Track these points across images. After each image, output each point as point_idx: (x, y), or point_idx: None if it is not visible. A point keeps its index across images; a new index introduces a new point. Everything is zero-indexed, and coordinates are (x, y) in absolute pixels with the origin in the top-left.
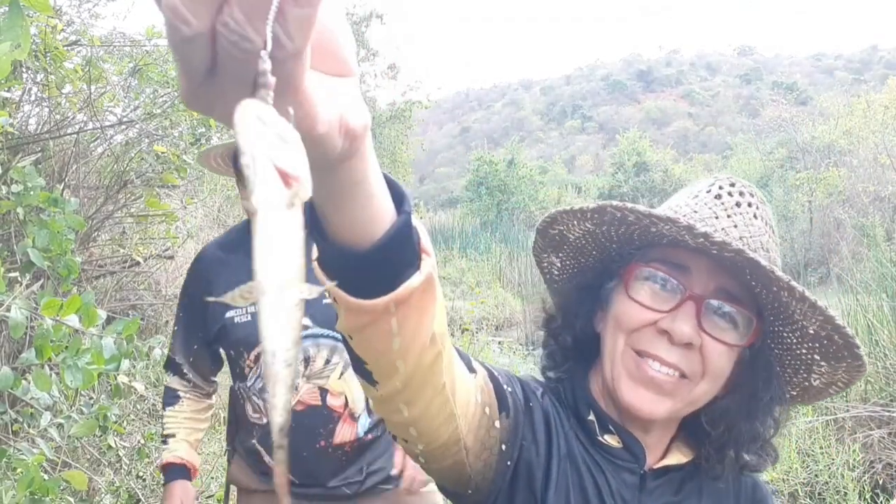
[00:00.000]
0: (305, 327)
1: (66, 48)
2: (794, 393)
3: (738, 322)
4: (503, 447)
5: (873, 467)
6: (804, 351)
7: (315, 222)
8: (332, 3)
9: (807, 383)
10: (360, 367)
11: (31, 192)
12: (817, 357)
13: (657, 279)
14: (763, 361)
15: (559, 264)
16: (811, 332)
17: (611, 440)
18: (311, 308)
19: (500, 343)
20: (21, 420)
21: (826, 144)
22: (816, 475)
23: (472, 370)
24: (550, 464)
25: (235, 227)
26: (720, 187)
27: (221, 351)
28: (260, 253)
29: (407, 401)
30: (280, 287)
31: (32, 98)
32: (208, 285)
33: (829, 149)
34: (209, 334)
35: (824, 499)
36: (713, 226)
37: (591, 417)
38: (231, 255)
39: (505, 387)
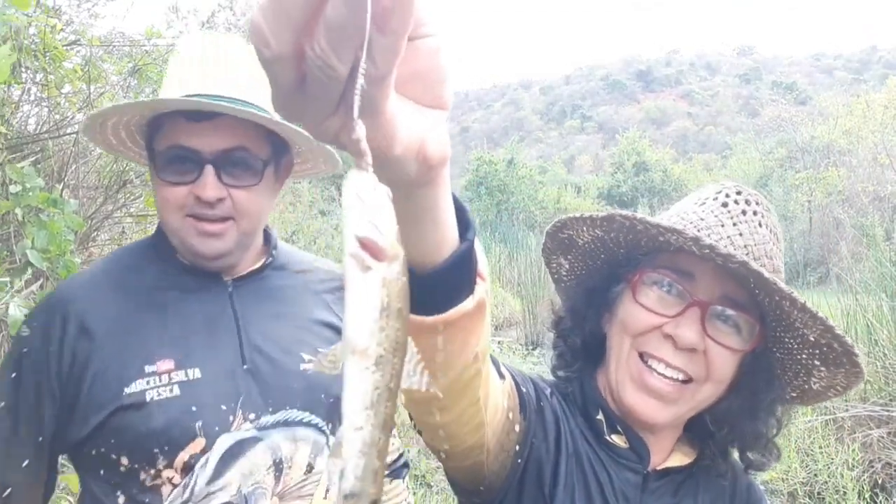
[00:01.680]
0: (270, 411)
1: (65, 48)
2: (794, 395)
3: (741, 327)
4: (517, 447)
5: (872, 466)
6: (804, 356)
7: None
8: (443, 45)
9: (806, 386)
10: None
11: (30, 193)
12: (817, 363)
13: (663, 284)
14: (765, 364)
15: (567, 266)
16: (811, 339)
17: (617, 440)
18: (285, 380)
19: (500, 343)
20: None
21: (825, 144)
22: (816, 475)
23: (501, 376)
24: (559, 461)
25: (115, 254)
26: (727, 195)
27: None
28: (345, 313)
29: (442, 407)
30: (353, 349)
31: (32, 98)
32: (86, 338)
33: (828, 149)
34: (72, 433)
35: (823, 498)
36: (719, 234)
37: (600, 417)
38: (116, 293)
39: (522, 388)
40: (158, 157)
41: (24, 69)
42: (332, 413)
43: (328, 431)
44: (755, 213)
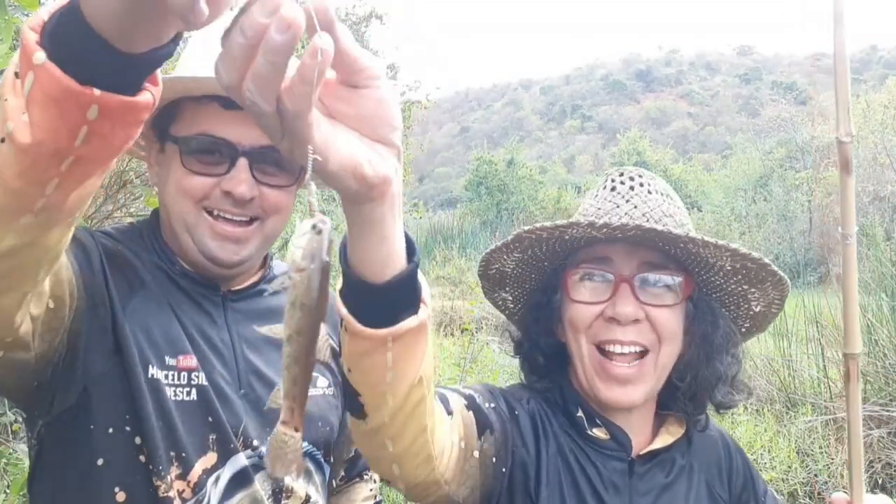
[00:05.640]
0: (254, 449)
1: None
2: (747, 325)
3: (669, 285)
4: (494, 459)
5: (873, 467)
6: (733, 285)
7: (345, 252)
8: (387, 98)
9: (751, 312)
10: (353, 401)
11: None
12: (745, 286)
13: (590, 276)
14: (705, 307)
15: (510, 297)
16: (728, 268)
17: (598, 433)
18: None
19: (499, 344)
20: (21, 420)
21: (826, 144)
22: (816, 475)
23: (449, 412)
24: (540, 462)
25: (131, 230)
26: (612, 180)
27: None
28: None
29: (392, 436)
30: (281, 332)
31: None
32: (110, 294)
33: (828, 149)
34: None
35: (823, 498)
36: (617, 214)
37: (580, 414)
38: (132, 270)
39: (487, 405)
40: (182, 144)
41: None
42: (328, 443)
43: (322, 460)
44: (641, 184)
